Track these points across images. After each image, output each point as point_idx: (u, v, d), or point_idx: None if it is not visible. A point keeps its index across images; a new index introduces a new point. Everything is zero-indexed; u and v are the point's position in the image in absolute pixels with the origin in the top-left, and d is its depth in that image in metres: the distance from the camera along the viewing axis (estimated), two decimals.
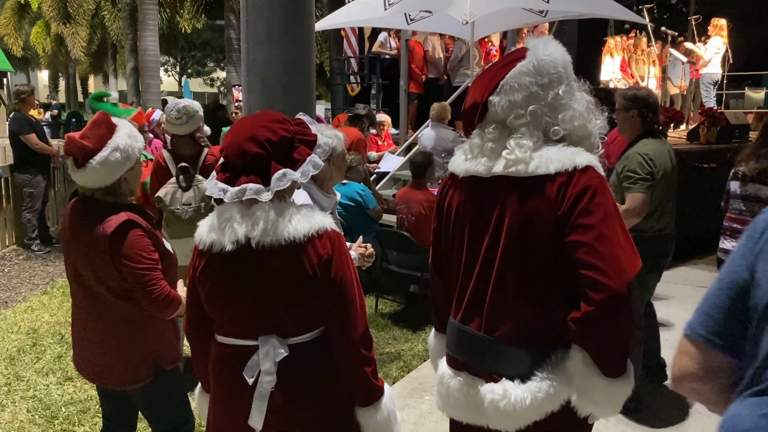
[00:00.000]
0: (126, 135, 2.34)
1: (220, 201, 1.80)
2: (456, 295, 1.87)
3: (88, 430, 3.53)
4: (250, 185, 1.71)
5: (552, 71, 1.71)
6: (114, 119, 2.37)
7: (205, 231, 1.81)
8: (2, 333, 5.00)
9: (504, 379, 1.71)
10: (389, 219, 5.98)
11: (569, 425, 1.74)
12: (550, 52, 1.72)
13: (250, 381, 1.76)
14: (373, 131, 8.08)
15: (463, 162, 1.82)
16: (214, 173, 1.82)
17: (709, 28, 10.34)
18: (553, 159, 1.65)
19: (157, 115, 6.66)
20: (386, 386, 1.94)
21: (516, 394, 1.67)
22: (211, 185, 1.77)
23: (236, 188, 1.72)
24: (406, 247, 5.32)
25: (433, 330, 2.12)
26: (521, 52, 1.77)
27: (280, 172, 1.73)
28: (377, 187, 6.88)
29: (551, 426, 1.71)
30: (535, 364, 1.70)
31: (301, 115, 1.93)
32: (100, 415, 3.64)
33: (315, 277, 1.73)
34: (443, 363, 1.94)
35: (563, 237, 1.63)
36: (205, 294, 1.84)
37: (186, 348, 4.49)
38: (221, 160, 1.81)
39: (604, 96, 4.89)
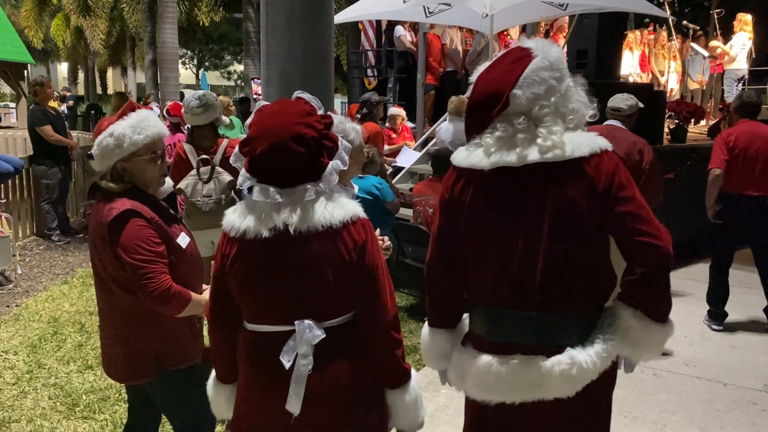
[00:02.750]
0: (128, 125, 2.27)
1: (249, 190, 1.80)
2: (491, 284, 1.92)
3: (108, 418, 3.58)
4: (309, 186, 1.76)
5: (562, 66, 1.88)
6: (140, 110, 2.35)
7: (237, 218, 1.81)
8: (24, 322, 5.07)
9: (567, 348, 1.84)
10: (406, 213, 5.99)
11: (608, 377, 1.94)
12: (554, 51, 1.90)
13: (287, 365, 1.78)
14: (387, 125, 8.06)
15: (484, 156, 1.87)
16: (244, 172, 1.79)
17: (734, 23, 10.20)
18: (581, 143, 1.81)
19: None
20: (413, 371, 1.97)
21: (583, 359, 1.82)
22: (261, 191, 1.76)
23: (295, 190, 1.75)
24: (422, 241, 5.31)
25: (431, 327, 2.11)
26: (524, 51, 1.90)
27: (329, 167, 1.78)
28: (393, 181, 6.88)
29: (598, 383, 1.88)
30: (587, 330, 1.88)
31: (300, 94, 1.88)
32: (120, 402, 3.71)
33: (350, 262, 1.78)
34: (472, 354, 1.97)
35: (606, 211, 1.80)
36: (237, 281, 1.83)
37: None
38: (249, 156, 1.78)
39: (624, 91, 4.86)
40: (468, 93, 1.97)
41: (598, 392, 1.92)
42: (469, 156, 1.91)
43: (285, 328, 1.81)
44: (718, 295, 5.01)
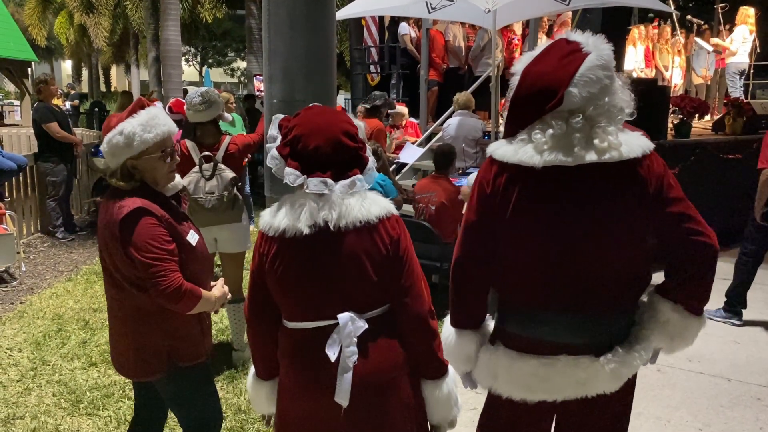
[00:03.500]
0: (138, 123, 2.27)
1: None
2: (538, 285, 1.90)
3: (112, 415, 3.59)
4: (358, 177, 1.86)
5: (613, 65, 1.84)
6: (149, 107, 2.34)
7: (274, 217, 1.87)
8: (28, 319, 5.09)
9: (617, 347, 1.89)
10: (409, 209, 5.97)
11: (634, 376, 2.01)
12: (607, 48, 1.84)
13: (333, 358, 1.82)
14: (390, 121, 8.05)
15: (535, 153, 1.81)
16: (292, 170, 1.83)
17: (736, 16, 10.14)
18: (633, 144, 1.81)
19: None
20: (450, 369, 2.01)
21: (632, 357, 1.89)
22: (315, 183, 1.80)
23: (347, 181, 1.83)
24: (425, 237, 5.31)
25: (458, 330, 2.06)
26: (574, 45, 1.84)
27: (370, 162, 1.90)
28: (397, 177, 6.87)
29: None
30: (626, 326, 1.94)
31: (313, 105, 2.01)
32: (124, 399, 3.72)
33: (387, 255, 1.85)
34: (509, 354, 1.95)
35: (656, 211, 1.82)
36: (276, 279, 1.88)
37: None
38: (299, 152, 1.84)
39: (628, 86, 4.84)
40: (513, 84, 1.92)
41: (632, 383, 2.01)
42: (517, 152, 1.84)
43: (327, 322, 1.86)
44: (743, 292, 4.98)
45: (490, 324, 2.11)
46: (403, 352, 1.92)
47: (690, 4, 15.49)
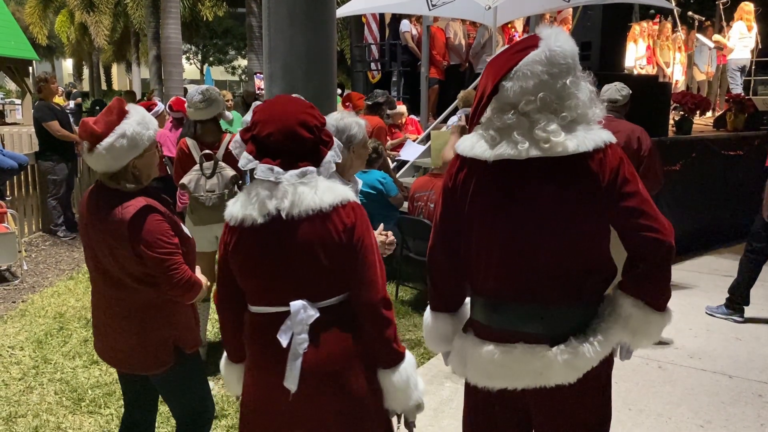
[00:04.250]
0: (135, 122, 2.30)
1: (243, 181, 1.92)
2: (494, 274, 1.94)
3: (114, 413, 3.59)
4: (310, 168, 1.88)
5: (562, 62, 1.81)
6: (129, 106, 2.35)
7: (236, 208, 1.93)
8: (30, 317, 5.10)
9: (571, 338, 1.88)
10: None
11: (606, 359, 1.97)
12: (561, 44, 1.83)
13: (285, 344, 1.88)
14: (388, 120, 8.04)
15: (488, 147, 1.88)
16: (246, 154, 1.90)
17: (735, 12, 10.12)
18: (587, 138, 1.81)
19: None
20: (408, 354, 2.02)
21: (586, 349, 1.87)
22: (262, 169, 1.86)
23: (297, 171, 1.86)
24: (426, 234, 5.29)
25: (434, 312, 2.14)
26: (533, 40, 1.86)
27: (328, 155, 1.92)
28: (398, 175, 6.87)
29: (597, 369, 1.93)
30: (589, 318, 1.93)
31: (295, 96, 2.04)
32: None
33: (341, 243, 1.88)
34: (474, 342, 2.00)
35: (609, 205, 1.82)
36: (238, 267, 1.95)
37: (208, 333, 4.54)
38: (255, 139, 1.89)
39: (629, 83, 4.82)
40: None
41: (597, 373, 1.96)
42: (473, 147, 1.92)
43: (282, 309, 1.91)
44: (746, 289, 4.98)
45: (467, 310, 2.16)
46: (357, 342, 1.94)
47: (691, 1, 15.44)
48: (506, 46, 1.99)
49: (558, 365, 1.88)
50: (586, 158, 1.80)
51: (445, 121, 7.58)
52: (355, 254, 1.90)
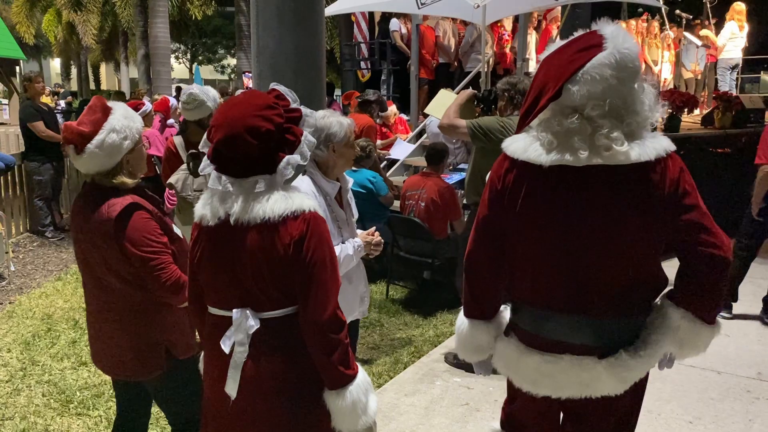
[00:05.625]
0: (121, 116, 2.28)
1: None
2: (545, 283, 1.89)
3: (103, 414, 3.57)
4: (261, 178, 1.79)
5: (630, 66, 1.74)
6: (110, 102, 2.33)
7: (198, 205, 1.93)
8: (18, 319, 5.05)
9: (621, 351, 1.86)
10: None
11: (646, 374, 1.99)
12: (629, 46, 1.74)
13: (226, 350, 1.85)
14: (378, 121, 8.03)
15: (543, 151, 1.80)
16: (206, 158, 1.87)
17: (727, 12, 10.19)
18: (649, 147, 1.75)
19: (174, 102, 6.69)
20: (360, 375, 1.92)
21: (635, 362, 1.85)
22: (215, 179, 1.83)
23: (246, 181, 1.80)
24: (417, 233, 5.31)
25: (470, 320, 2.07)
26: (596, 38, 1.77)
27: (284, 160, 1.81)
28: (388, 174, 6.86)
29: (639, 380, 1.94)
30: (636, 330, 1.91)
31: (275, 86, 1.91)
32: (115, 399, 3.69)
33: (286, 257, 1.79)
34: (518, 348, 1.97)
35: (668, 218, 1.79)
36: (195, 264, 1.95)
37: None
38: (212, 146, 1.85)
39: None
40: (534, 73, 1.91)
41: (642, 385, 1.99)
42: (526, 150, 1.83)
43: (228, 313, 1.88)
44: (736, 286, 5.01)
45: (507, 314, 2.11)
46: (302, 358, 1.87)
47: None
48: (562, 42, 1.85)
49: (606, 377, 1.86)
50: (647, 168, 1.74)
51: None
52: (303, 269, 1.80)
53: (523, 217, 1.86)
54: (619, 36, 1.75)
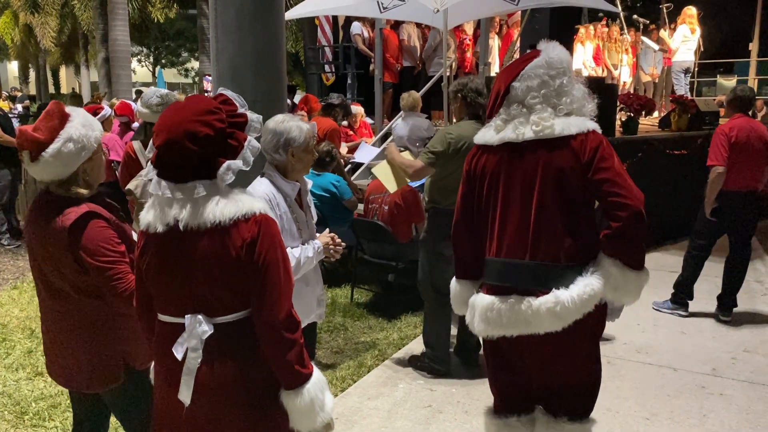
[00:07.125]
0: (80, 124, 2.20)
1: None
2: (496, 238, 2.35)
3: (59, 425, 3.49)
4: (200, 183, 1.78)
5: (558, 66, 2.31)
6: (68, 108, 2.26)
7: (144, 212, 1.89)
8: None
9: (553, 290, 2.22)
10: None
11: (594, 318, 2.29)
12: (557, 52, 2.34)
13: (179, 357, 1.84)
14: (345, 123, 8.03)
15: (495, 134, 2.35)
16: (150, 166, 1.85)
17: (678, 16, 10.45)
18: (572, 124, 2.25)
19: (133, 105, 6.57)
20: (316, 374, 1.94)
21: (565, 298, 2.20)
22: (155, 184, 1.81)
23: (186, 187, 1.78)
24: (380, 237, 5.31)
25: (458, 279, 2.57)
26: (536, 53, 2.36)
27: (224, 166, 1.79)
28: (352, 178, 6.85)
29: (585, 323, 2.25)
30: (573, 276, 2.25)
31: (223, 91, 1.91)
32: (71, 410, 3.61)
33: (239, 260, 1.80)
34: (481, 297, 2.39)
35: (589, 177, 2.21)
36: (143, 273, 1.91)
37: None
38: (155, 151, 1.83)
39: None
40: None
41: (585, 330, 2.29)
42: (484, 135, 2.40)
43: (180, 320, 1.87)
44: (691, 285, 5.13)
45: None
46: (256, 361, 1.87)
47: (637, 4, 15.88)
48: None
49: (542, 313, 2.21)
50: (570, 140, 2.23)
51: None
52: (256, 271, 1.81)
53: (484, 187, 2.38)
54: (550, 46, 2.35)
